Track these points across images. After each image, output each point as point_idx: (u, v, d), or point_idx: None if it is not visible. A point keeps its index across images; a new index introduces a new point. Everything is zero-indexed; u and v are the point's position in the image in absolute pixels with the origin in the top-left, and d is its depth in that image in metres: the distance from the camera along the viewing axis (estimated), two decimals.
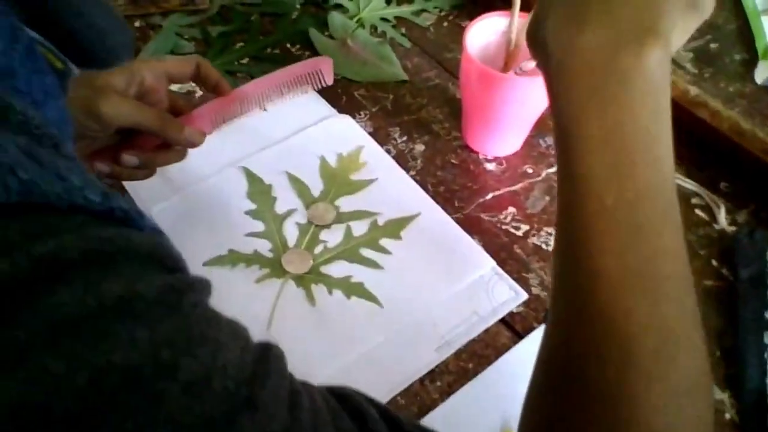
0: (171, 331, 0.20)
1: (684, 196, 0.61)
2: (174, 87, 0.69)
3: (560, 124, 0.32)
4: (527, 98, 0.57)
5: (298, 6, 0.78)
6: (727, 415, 0.47)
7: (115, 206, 0.22)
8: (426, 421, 0.46)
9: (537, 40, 0.33)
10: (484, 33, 0.60)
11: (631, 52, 0.29)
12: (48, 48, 0.31)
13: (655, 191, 0.29)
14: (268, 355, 0.24)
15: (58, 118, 0.27)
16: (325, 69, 0.56)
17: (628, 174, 0.29)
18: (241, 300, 0.52)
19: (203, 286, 0.24)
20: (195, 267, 0.54)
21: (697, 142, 0.64)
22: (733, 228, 0.58)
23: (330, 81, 0.56)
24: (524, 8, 0.57)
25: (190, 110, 0.53)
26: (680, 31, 0.33)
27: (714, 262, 0.56)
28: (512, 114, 0.59)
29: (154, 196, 0.58)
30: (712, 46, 0.67)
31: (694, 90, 0.62)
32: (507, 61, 0.60)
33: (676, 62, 0.65)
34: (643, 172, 0.29)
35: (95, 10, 0.32)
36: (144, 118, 0.48)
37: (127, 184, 0.59)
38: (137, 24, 0.76)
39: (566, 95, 0.31)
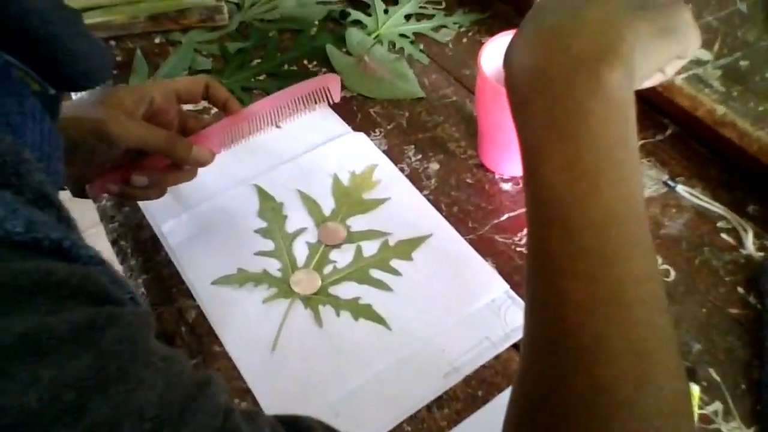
0: (82, 369, 0.19)
1: (710, 219, 0.58)
2: (188, 106, 0.69)
3: (523, 150, 0.31)
4: None
5: (316, 22, 0.78)
6: None
7: (41, 236, 0.21)
8: None
9: (505, 66, 0.33)
10: (501, 51, 0.58)
11: (587, 75, 0.29)
12: (25, 71, 0.30)
13: (622, 215, 0.28)
14: (202, 392, 0.23)
15: (41, 140, 0.27)
16: (333, 86, 0.55)
17: (592, 199, 0.28)
18: (248, 320, 0.52)
19: (141, 319, 0.22)
20: (204, 285, 0.54)
21: (725, 162, 0.62)
22: (761, 254, 0.55)
23: (337, 98, 0.56)
24: None
25: (200, 129, 0.53)
26: (654, 58, 0.32)
27: (740, 290, 0.53)
28: None
29: (164, 213, 0.58)
30: (742, 63, 0.65)
31: (721, 109, 0.60)
32: None
33: (703, 80, 0.63)
34: (607, 196, 0.28)
35: (71, 34, 0.32)
36: (153, 139, 0.49)
37: (139, 202, 0.59)
38: (157, 40, 0.76)
39: (527, 122, 0.31)
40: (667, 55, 0.33)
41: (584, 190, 0.28)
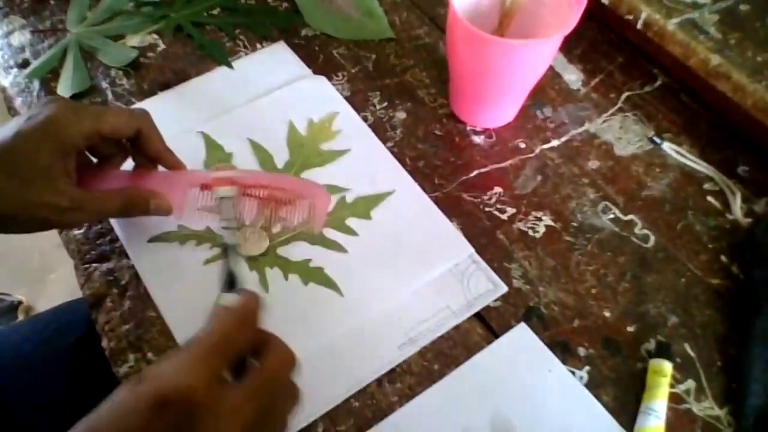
0: None
1: (696, 179, 0.54)
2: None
3: None
4: (522, 64, 0.50)
5: None
6: None
7: None
8: (379, 427, 0.42)
9: None
10: None
11: None
12: None
13: None
14: None
15: None
16: (320, 205, 0.47)
17: None
18: (187, 283, 0.47)
19: None
20: (140, 244, 0.49)
21: (716, 118, 0.57)
22: (748, 220, 0.51)
23: (319, 227, 0.49)
24: None
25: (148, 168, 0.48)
26: None
27: (723, 258, 0.49)
28: (504, 81, 0.52)
29: None
30: (742, 8, 0.59)
31: (716, 59, 0.54)
32: (501, 20, 0.53)
33: (697, 26, 0.57)
34: None
35: None
36: (106, 213, 0.46)
37: None
38: None
39: None
40: None
41: None
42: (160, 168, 0.48)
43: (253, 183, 0.46)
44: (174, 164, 0.48)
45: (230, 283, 0.38)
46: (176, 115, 0.56)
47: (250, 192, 0.46)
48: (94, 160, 0.48)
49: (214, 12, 0.65)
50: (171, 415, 0.28)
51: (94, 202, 0.44)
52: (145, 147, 0.46)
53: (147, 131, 0.46)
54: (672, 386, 0.43)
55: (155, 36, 0.63)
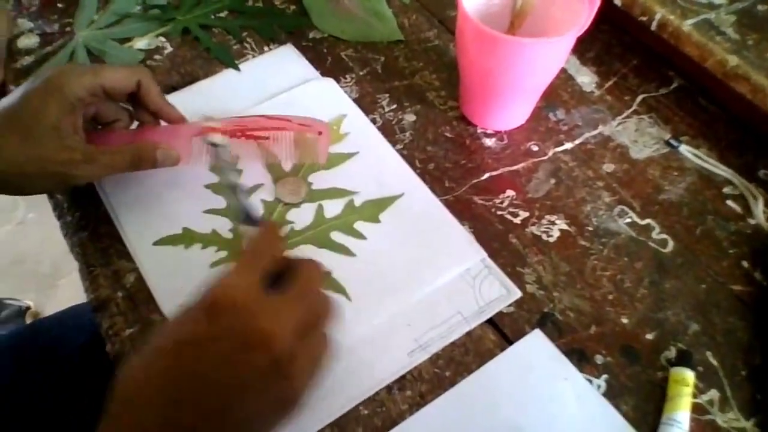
0: None
1: (715, 183, 0.52)
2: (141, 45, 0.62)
3: None
4: (533, 64, 0.49)
5: None
6: None
7: None
8: None
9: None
10: None
11: None
12: None
13: None
14: None
15: None
16: (322, 136, 0.50)
17: None
18: (193, 286, 0.46)
19: None
20: (144, 246, 0.48)
21: (735, 121, 0.56)
22: None
23: (323, 159, 0.51)
24: None
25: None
26: None
27: (745, 264, 0.47)
28: (516, 82, 0.50)
29: None
30: (760, 8, 0.57)
31: (733, 60, 0.53)
32: (513, 21, 0.52)
33: (714, 26, 0.55)
34: None
35: None
36: (117, 166, 0.46)
37: None
38: None
39: None
40: None
41: None
42: (162, 123, 0.49)
43: (253, 126, 0.49)
44: (175, 117, 0.49)
45: (247, 218, 0.41)
46: None
47: (252, 134, 0.49)
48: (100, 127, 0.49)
49: (222, 14, 0.64)
50: (223, 317, 0.31)
51: (105, 155, 0.45)
52: (145, 101, 0.47)
53: (146, 84, 0.47)
54: (695, 396, 0.41)
55: (162, 39, 0.62)
